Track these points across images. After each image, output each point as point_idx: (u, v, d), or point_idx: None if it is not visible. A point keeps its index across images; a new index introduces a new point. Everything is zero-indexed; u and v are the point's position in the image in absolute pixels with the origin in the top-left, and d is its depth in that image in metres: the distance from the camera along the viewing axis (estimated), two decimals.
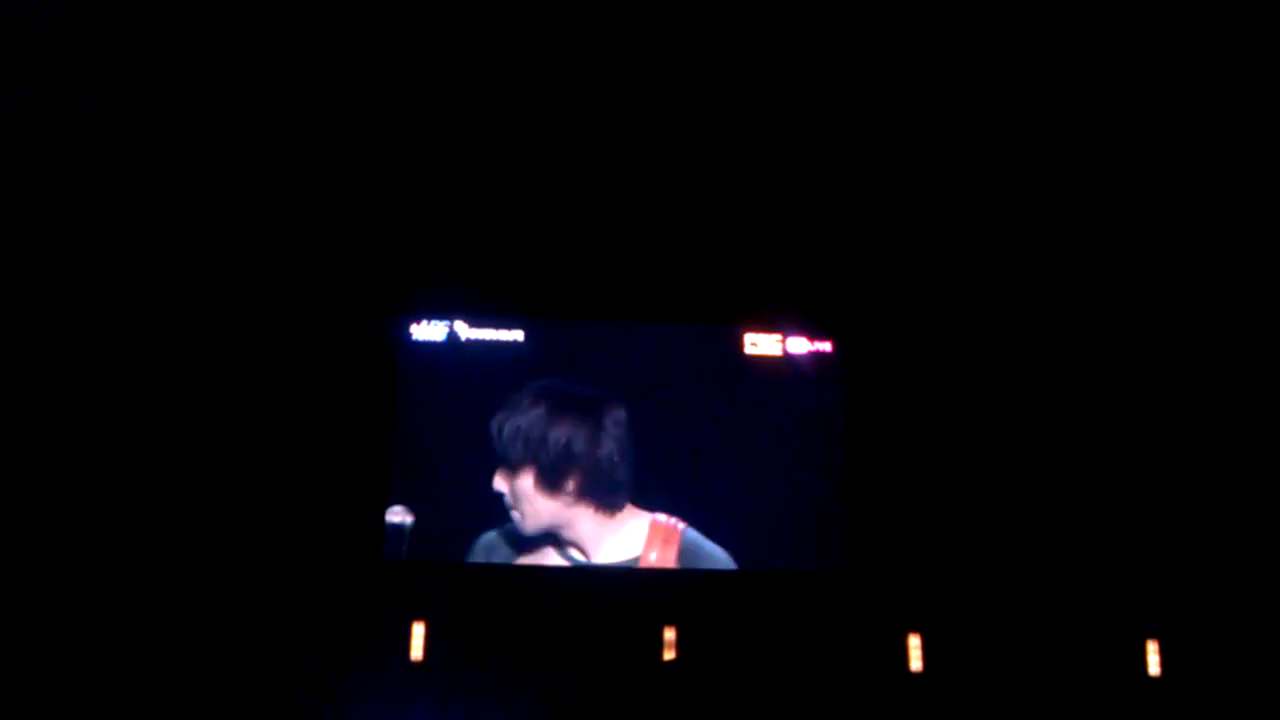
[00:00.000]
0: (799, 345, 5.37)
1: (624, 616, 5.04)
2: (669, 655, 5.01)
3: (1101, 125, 5.23)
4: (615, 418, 5.13)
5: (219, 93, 5.08)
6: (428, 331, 5.28)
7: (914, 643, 5.10)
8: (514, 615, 5.01)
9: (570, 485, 5.05)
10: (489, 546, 5.08)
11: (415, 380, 5.23)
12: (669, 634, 5.03)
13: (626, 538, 5.10)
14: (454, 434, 5.15)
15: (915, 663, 5.09)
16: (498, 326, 5.29)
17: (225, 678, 4.80)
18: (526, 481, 5.04)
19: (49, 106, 4.98)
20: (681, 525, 5.11)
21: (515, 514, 5.06)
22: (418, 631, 4.94)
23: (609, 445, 5.10)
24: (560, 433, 5.07)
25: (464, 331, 5.29)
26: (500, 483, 5.05)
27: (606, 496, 5.08)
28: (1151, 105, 5.19)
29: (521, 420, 5.09)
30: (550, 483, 5.04)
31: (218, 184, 5.22)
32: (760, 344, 5.36)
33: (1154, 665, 5.09)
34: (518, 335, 5.29)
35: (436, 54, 5.07)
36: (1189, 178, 5.31)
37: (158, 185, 5.19)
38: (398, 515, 5.08)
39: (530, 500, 5.04)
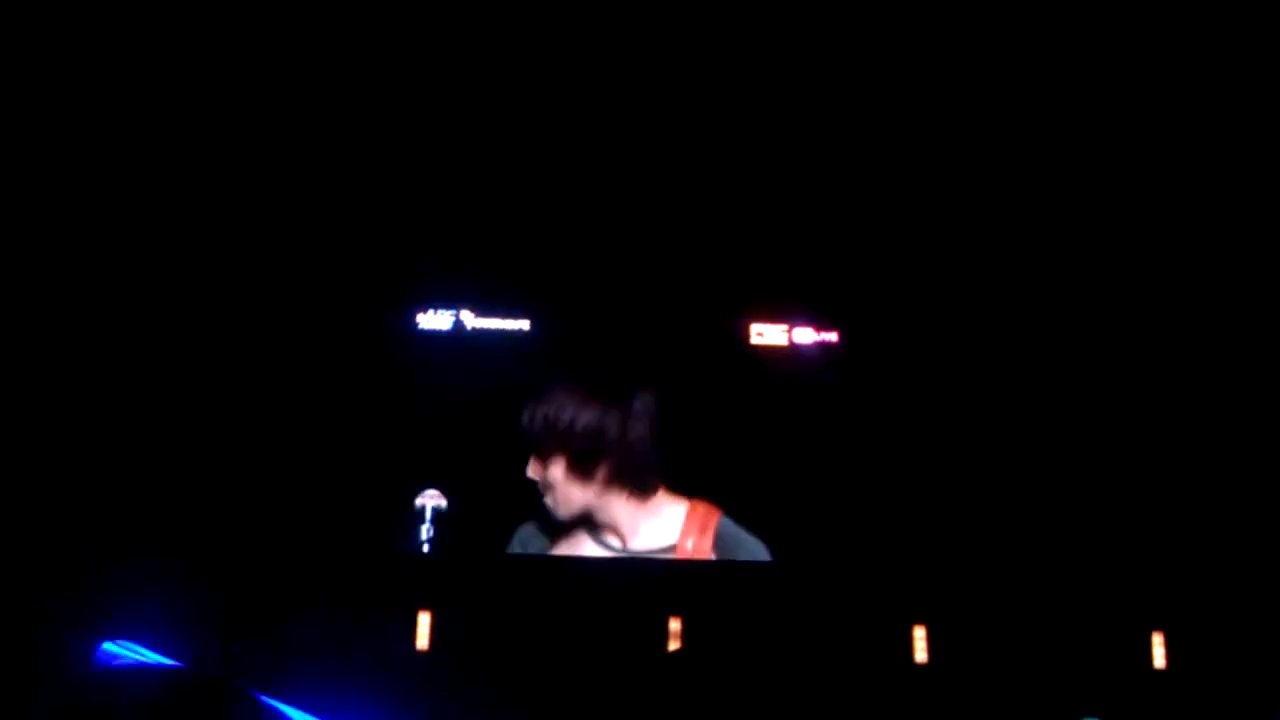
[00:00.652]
0: (805, 336, 5.37)
1: (628, 607, 5.03)
2: (674, 646, 5.01)
3: (1107, 115, 5.22)
4: (645, 401, 5.11)
5: (222, 85, 5.08)
6: (433, 320, 5.28)
7: (919, 634, 5.10)
8: (520, 605, 5.00)
9: (601, 473, 5.03)
10: (525, 537, 5.10)
11: (421, 369, 5.22)
12: (674, 625, 5.03)
13: (663, 524, 5.08)
14: (460, 423, 5.12)
15: (920, 654, 5.08)
16: (504, 316, 5.30)
17: (226, 671, 4.79)
18: (558, 470, 5.04)
19: (49, 105, 4.98)
20: (718, 512, 5.10)
21: (549, 500, 5.06)
22: (423, 621, 4.95)
23: (639, 429, 5.08)
24: (590, 419, 5.04)
25: (470, 321, 5.30)
26: (533, 471, 5.05)
27: (638, 480, 5.06)
28: (1150, 92, 5.18)
29: (550, 408, 5.07)
30: (581, 470, 5.03)
31: (221, 174, 5.22)
32: (766, 334, 5.36)
33: (1159, 658, 5.09)
34: (524, 324, 5.30)
35: (443, 45, 5.07)
36: (1187, 158, 5.29)
37: (162, 178, 5.18)
38: (432, 498, 5.08)
39: (563, 488, 5.04)
